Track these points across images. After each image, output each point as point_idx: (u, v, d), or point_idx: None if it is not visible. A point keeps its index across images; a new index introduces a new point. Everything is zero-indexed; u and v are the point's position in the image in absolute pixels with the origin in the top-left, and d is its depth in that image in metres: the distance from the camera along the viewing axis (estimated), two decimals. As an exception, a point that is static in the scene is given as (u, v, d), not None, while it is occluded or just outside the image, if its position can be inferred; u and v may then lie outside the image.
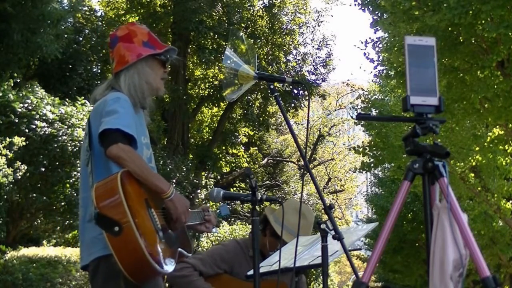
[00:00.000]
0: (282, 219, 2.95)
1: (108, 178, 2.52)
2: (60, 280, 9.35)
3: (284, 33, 19.22)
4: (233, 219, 19.66)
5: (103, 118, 2.59)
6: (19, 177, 9.34)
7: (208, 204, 2.84)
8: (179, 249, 2.69)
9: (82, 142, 2.88)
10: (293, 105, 19.05)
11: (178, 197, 2.63)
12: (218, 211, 3.16)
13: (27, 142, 9.59)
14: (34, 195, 9.96)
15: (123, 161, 2.51)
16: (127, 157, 2.51)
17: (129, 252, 2.39)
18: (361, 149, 13.42)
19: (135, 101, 2.76)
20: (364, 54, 11.67)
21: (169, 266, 2.53)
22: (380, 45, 11.25)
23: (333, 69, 20.85)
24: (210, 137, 19.69)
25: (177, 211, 2.62)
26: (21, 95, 10.14)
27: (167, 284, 3.49)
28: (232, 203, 20.13)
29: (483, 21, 8.08)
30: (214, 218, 2.97)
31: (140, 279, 2.47)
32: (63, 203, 10.50)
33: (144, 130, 2.84)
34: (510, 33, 8.03)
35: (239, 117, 19.94)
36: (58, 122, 10.13)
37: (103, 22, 17.75)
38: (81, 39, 16.15)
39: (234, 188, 20.14)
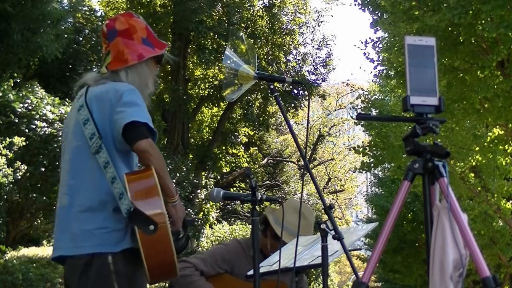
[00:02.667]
0: (282, 220, 2.94)
1: (142, 174, 2.48)
2: (60, 280, 9.34)
3: (284, 33, 19.23)
4: (233, 219, 19.66)
5: (122, 107, 2.49)
6: (19, 177, 9.34)
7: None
8: None
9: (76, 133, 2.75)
10: (293, 105, 19.06)
11: (180, 204, 2.61)
12: None
13: (27, 142, 9.59)
14: (34, 195, 9.96)
15: (150, 156, 2.45)
16: (154, 153, 2.46)
17: (159, 252, 2.38)
18: (361, 149, 13.43)
19: None
20: (364, 54, 11.68)
21: None
22: (380, 45, 11.25)
23: (333, 69, 20.88)
24: (210, 137, 19.70)
25: (177, 217, 2.59)
26: (21, 95, 10.14)
27: (167, 284, 3.49)
28: (232, 203, 20.15)
29: (483, 21, 8.07)
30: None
31: (159, 278, 2.48)
32: (63, 203, 10.49)
33: None
34: (510, 33, 8.03)
35: (239, 117, 19.94)
36: (58, 122, 10.13)
37: (103, 22, 17.75)
38: (81, 39, 16.15)
39: (234, 188, 20.15)
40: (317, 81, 20.01)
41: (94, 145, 2.52)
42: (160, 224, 2.35)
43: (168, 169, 13.54)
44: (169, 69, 17.76)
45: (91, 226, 2.47)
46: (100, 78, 2.70)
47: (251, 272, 2.82)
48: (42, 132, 9.82)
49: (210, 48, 17.34)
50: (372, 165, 13.79)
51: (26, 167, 9.48)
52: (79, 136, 2.59)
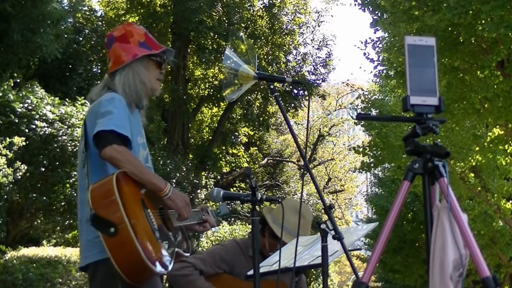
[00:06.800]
0: (282, 220, 2.94)
1: (104, 180, 2.52)
2: (60, 280, 9.35)
3: (284, 33, 19.22)
4: (233, 219, 19.65)
5: (98, 119, 2.59)
6: (19, 177, 9.34)
7: (207, 204, 2.85)
8: (177, 249, 2.68)
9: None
10: (293, 105, 19.04)
11: (177, 194, 2.63)
12: (218, 210, 3.17)
13: (27, 142, 9.59)
14: (34, 195, 9.96)
15: (118, 162, 2.51)
16: (122, 158, 2.51)
17: (125, 253, 2.40)
18: (361, 149, 13.43)
19: (130, 100, 2.75)
20: (364, 54, 11.67)
21: (166, 267, 2.52)
22: (380, 45, 11.25)
23: (333, 69, 20.86)
24: (210, 137, 19.68)
25: (177, 207, 2.62)
26: (21, 95, 10.15)
27: (167, 284, 3.49)
28: (232, 203, 20.13)
29: (483, 21, 8.07)
30: (212, 218, 2.97)
31: (137, 280, 2.47)
32: (63, 203, 10.50)
33: (140, 130, 2.83)
34: (510, 33, 8.02)
35: (239, 117, 19.93)
36: (58, 122, 10.14)
37: (103, 22, 17.76)
38: (81, 39, 16.17)
39: (234, 188, 20.13)
40: (317, 81, 19.99)
41: (81, 159, 2.71)
42: (119, 226, 2.39)
43: (168, 169, 13.48)
44: (169, 69, 17.73)
45: (92, 235, 2.56)
46: (101, 90, 2.80)
47: (251, 272, 2.82)
48: (42, 132, 9.82)
49: (210, 48, 17.32)
50: (372, 165, 13.79)
51: (26, 167, 9.48)
52: (80, 153, 2.78)
